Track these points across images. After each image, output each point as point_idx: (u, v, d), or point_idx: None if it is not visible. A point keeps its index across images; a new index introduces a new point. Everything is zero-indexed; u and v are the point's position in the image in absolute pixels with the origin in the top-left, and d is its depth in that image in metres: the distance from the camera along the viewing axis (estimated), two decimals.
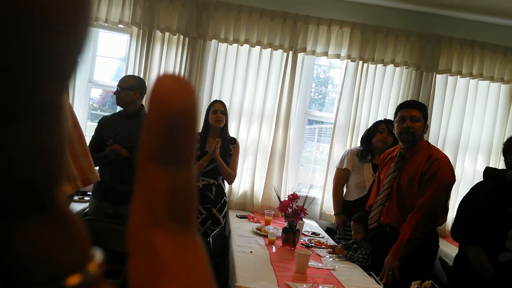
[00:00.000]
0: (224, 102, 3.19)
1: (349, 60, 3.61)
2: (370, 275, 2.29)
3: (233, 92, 3.65)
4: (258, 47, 3.61)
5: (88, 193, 3.05)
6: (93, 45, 3.88)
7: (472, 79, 3.65)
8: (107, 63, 4.14)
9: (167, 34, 3.58)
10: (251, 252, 2.39)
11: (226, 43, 3.60)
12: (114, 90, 2.81)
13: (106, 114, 3.16)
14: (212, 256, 2.59)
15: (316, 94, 4.53)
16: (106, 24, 3.53)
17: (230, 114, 3.63)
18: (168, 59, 3.61)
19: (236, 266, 2.14)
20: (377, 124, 3.17)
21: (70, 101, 3.19)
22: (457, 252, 2.30)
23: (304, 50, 3.59)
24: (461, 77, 3.65)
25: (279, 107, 3.64)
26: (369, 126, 3.54)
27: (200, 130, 3.21)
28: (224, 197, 3.15)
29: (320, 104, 4.57)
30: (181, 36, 3.59)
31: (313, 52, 3.61)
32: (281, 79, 3.63)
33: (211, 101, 3.29)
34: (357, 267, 2.40)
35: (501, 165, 3.65)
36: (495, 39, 3.63)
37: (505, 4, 3.30)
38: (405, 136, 2.40)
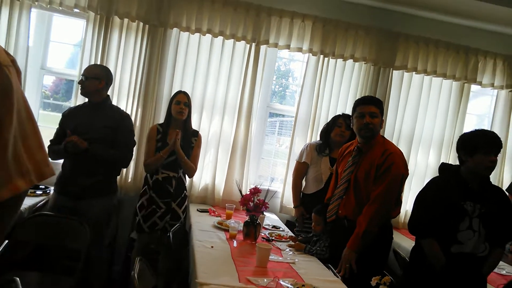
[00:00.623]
0: (188, 93, 3.13)
1: (310, 54, 3.64)
2: (329, 267, 2.35)
3: (194, 83, 3.58)
4: (220, 38, 3.56)
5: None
6: (47, 30, 3.66)
7: (426, 75, 3.80)
8: (61, 49, 3.92)
9: (126, 20, 3.44)
10: (212, 247, 2.38)
11: (188, 32, 3.52)
12: (67, 77, 2.69)
13: (61, 103, 3.03)
14: (172, 252, 2.57)
15: (277, 86, 4.55)
16: (60, 8, 3.34)
17: (192, 106, 3.57)
18: (126, 47, 3.47)
19: (196, 261, 2.13)
20: (335, 118, 3.24)
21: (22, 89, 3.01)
22: (413, 245, 2.38)
23: (266, 42, 3.58)
24: (416, 74, 3.79)
25: (241, 99, 3.62)
26: (328, 120, 3.61)
27: (162, 122, 3.14)
28: (185, 191, 3.11)
29: (281, 97, 4.59)
30: (141, 23, 3.46)
31: (276, 45, 3.61)
32: (244, 71, 3.60)
33: (174, 92, 3.21)
34: (315, 260, 2.45)
35: (451, 159, 3.87)
36: (448, 37, 3.79)
37: (458, 4, 3.44)
38: (364, 132, 2.47)
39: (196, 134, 3.15)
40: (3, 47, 0.97)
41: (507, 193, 2.39)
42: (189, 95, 3.19)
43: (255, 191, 2.66)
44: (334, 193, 2.64)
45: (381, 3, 3.69)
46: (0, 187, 0.93)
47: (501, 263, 3.03)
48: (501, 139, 2.20)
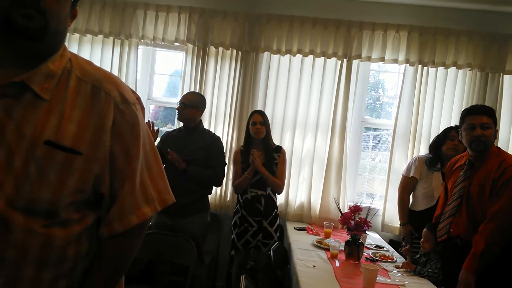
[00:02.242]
0: (264, 112, 3.21)
1: (407, 64, 3.47)
2: None
3: (286, 103, 3.63)
4: (311, 56, 3.58)
5: None
6: (151, 63, 4.04)
7: None
8: (162, 79, 4.29)
9: (220, 49, 3.64)
10: (314, 266, 2.34)
11: (279, 54, 3.60)
12: (170, 105, 2.92)
13: (168, 130, 3.30)
14: (273, 269, 2.58)
15: (367, 99, 4.40)
16: (163, 43, 3.66)
17: (284, 125, 3.62)
18: (222, 73, 3.67)
19: (300, 280, 2.10)
20: (447, 130, 3.01)
21: None
22: None
23: (359, 56, 3.51)
24: None
25: (334, 115, 3.57)
26: (432, 132, 3.38)
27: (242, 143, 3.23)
28: (276, 210, 3.12)
29: (371, 109, 4.43)
30: (234, 50, 3.64)
31: (369, 58, 3.51)
32: (336, 87, 3.56)
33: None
34: (428, 282, 2.27)
35: None
36: None
37: None
38: (476, 145, 2.26)
39: (279, 150, 3.17)
40: (126, 84, 1.08)
41: None
42: (281, 114, 3.22)
43: (356, 209, 2.57)
44: (444, 211, 2.43)
45: (482, 5, 3.40)
46: (129, 214, 1.00)
47: None
48: None
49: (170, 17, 3.62)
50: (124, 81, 3.62)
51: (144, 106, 3.91)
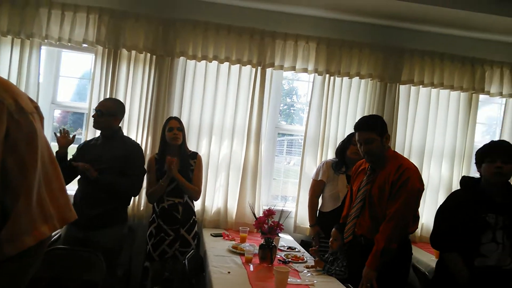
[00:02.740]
0: (180, 118, 3.19)
1: (316, 73, 3.68)
2: (348, 287, 2.31)
3: (203, 109, 3.63)
4: (226, 63, 3.62)
5: None
6: (56, 65, 3.76)
7: (434, 88, 3.80)
8: (69, 82, 4.02)
9: (133, 52, 3.52)
10: (229, 272, 2.36)
11: (195, 60, 3.59)
12: (77, 111, 2.76)
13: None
14: (188, 278, 2.54)
15: (282, 105, 4.58)
16: (69, 44, 3.44)
17: (201, 131, 3.62)
18: (135, 78, 3.55)
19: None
20: (351, 136, 3.23)
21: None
22: (437, 260, 2.37)
23: (272, 65, 3.63)
24: (423, 87, 3.79)
25: (249, 122, 3.65)
26: (338, 137, 3.61)
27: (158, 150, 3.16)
28: (194, 217, 3.09)
29: (286, 115, 4.62)
30: (148, 54, 3.54)
31: (281, 67, 3.66)
32: (251, 94, 3.65)
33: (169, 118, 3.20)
34: (335, 280, 2.41)
35: (464, 170, 3.83)
36: (453, 49, 3.81)
37: (462, 17, 3.46)
38: (366, 158, 2.51)
39: (195, 156, 3.15)
40: (24, 92, 1.00)
41: None
42: (198, 121, 3.22)
43: (269, 213, 2.64)
44: (350, 213, 2.61)
45: (381, 21, 3.74)
46: (23, 235, 0.91)
47: None
48: None
49: (78, 17, 3.41)
50: (24, 84, 3.38)
51: (48, 111, 3.66)
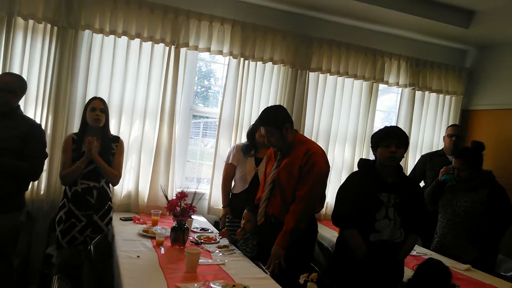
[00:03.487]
0: (103, 98, 2.98)
1: (231, 56, 3.68)
2: (258, 265, 2.41)
3: (111, 87, 3.43)
4: (138, 40, 3.45)
5: None
6: None
7: (339, 76, 4.05)
8: None
9: (31, 22, 3.18)
10: (138, 256, 2.31)
11: (102, 34, 3.35)
12: None
13: None
14: (94, 264, 2.43)
15: (199, 87, 4.52)
16: None
17: (110, 111, 3.41)
18: (33, 51, 3.22)
19: (122, 273, 2.04)
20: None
21: None
22: (337, 236, 2.54)
23: (186, 45, 3.55)
24: (330, 75, 4.02)
25: (163, 102, 3.54)
26: (252, 121, 3.68)
27: (77, 130, 2.95)
28: (109, 203, 2.95)
29: (204, 98, 4.58)
30: (49, 25, 3.22)
31: (196, 48, 3.59)
32: (164, 74, 3.53)
33: (89, 98, 3.04)
34: (246, 258, 2.49)
35: (364, 153, 4.17)
36: (357, 40, 4.09)
37: (365, 10, 3.72)
38: (272, 147, 2.64)
39: (117, 140, 3.01)
40: None
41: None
42: (106, 100, 3.04)
43: (182, 195, 2.62)
44: (262, 196, 2.70)
45: (295, 8, 3.86)
46: None
47: (416, 246, 3.35)
48: (406, 132, 2.43)
49: None
50: None
51: None
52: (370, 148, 2.51)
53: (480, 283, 2.49)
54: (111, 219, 2.96)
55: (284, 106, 3.82)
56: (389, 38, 4.32)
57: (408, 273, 2.35)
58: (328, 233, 3.43)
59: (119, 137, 3.05)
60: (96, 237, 2.70)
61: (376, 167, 2.43)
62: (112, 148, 2.94)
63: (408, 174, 4.11)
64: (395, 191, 2.35)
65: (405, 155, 4.24)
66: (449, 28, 3.94)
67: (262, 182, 2.88)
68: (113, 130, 3.38)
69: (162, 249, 2.49)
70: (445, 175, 3.09)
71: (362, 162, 2.55)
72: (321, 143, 3.98)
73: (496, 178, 3.06)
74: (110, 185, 2.98)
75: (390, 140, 2.33)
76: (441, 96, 4.48)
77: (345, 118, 4.13)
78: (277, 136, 2.54)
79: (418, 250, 3.13)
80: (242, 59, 3.71)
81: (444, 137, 3.98)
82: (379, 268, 2.28)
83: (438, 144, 4.44)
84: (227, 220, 3.27)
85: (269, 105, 3.72)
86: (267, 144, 2.62)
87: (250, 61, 3.75)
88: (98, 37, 3.37)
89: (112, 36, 3.38)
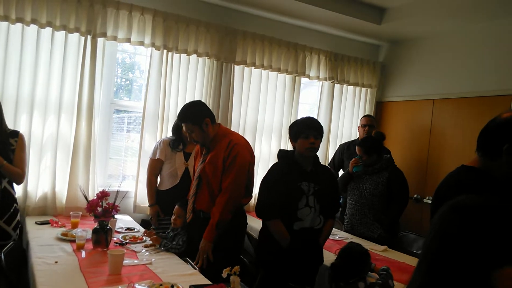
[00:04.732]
0: None
1: (153, 48, 3.56)
2: (186, 261, 2.38)
3: (20, 80, 3.13)
4: (49, 29, 3.18)
5: None
6: None
7: (264, 70, 4.12)
8: None
9: None
10: (56, 262, 2.16)
11: (7, 22, 3.05)
12: None
13: None
14: (6, 274, 2.23)
15: (124, 80, 4.31)
16: None
17: (18, 105, 3.13)
18: None
19: (37, 281, 1.90)
20: None
21: None
22: (261, 227, 2.56)
23: (104, 35, 3.36)
24: (255, 68, 4.07)
25: (80, 96, 3.33)
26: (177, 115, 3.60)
27: None
28: (15, 205, 2.69)
29: (129, 91, 4.38)
30: None
31: (115, 38, 3.41)
32: (80, 66, 3.31)
33: None
34: (173, 256, 2.45)
35: (289, 145, 4.30)
36: (280, 35, 4.18)
37: (287, 5, 3.81)
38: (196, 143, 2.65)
39: (15, 134, 2.71)
40: None
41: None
42: (14, 94, 2.78)
43: (103, 194, 2.50)
44: (190, 192, 2.67)
45: (218, 1, 3.83)
46: None
47: (334, 229, 3.55)
48: (326, 123, 2.56)
49: None
50: None
51: None
52: (288, 138, 2.56)
53: (395, 262, 2.71)
54: (19, 223, 2.71)
55: (210, 99, 3.83)
56: (310, 33, 4.48)
57: (331, 257, 2.48)
58: (257, 224, 3.48)
59: (19, 132, 2.75)
60: (3, 244, 2.47)
61: (296, 157, 2.49)
62: (10, 144, 2.67)
63: (328, 163, 4.34)
64: (314, 179, 2.45)
65: (326, 145, 4.49)
66: (363, 24, 4.20)
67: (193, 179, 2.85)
68: (22, 127, 3.12)
69: (83, 252, 2.36)
70: (355, 167, 3.39)
71: (282, 153, 2.60)
72: (248, 136, 4.04)
73: (394, 162, 3.46)
74: (14, 185, 2.73)
75: (309, 132, 2.41)
76: (357, 88, 4.77)
77: (270, 111, 4.22)
78: (198, 132, 2.53)
79: (340, 235, 3.33)
80: (165, 50, 3.61)
81: (358, 127, 4.25)
82: (303, 255, 2.37)
83: (356, 133, 4.73)
84: (158, 218, 3.20)
85: (195, 99, 3.72)
86: (190, 141, 2.60)
87: (174, 53, 3.66)
88: (3, 24, 3.06)
89: (19, 25, 3.09)
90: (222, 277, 1.79)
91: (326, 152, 4.53)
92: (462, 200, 0.92)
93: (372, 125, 4.12)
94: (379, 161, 3.31)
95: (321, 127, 2.48)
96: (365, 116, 4.27)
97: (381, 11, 4.18)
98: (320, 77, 4.46)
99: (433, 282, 0.88)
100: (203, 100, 3.74)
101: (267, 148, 4.24)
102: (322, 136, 2.49)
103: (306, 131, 2.42)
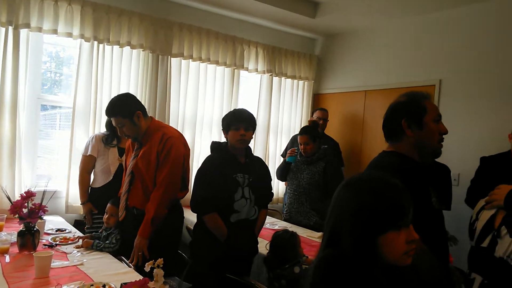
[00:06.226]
0: None
1: (83, 39, 3.39)
2: (121, 259, 2.31)
3: None
4: None
5: None
6: None
7: (202, 62, 4.08)
8: None
9: None
10: None
11: None
12: None
13: None
14: None
15: (57, 75, 4.05)
16: None
17: None
18: None
19: None
20: None
21: None
22: (196, 222, 2.50)
23: (27, 26, 3.14)
24: (192, 61, 4.02)
25: (1, 91, 3.10)
26: None
27: None
28: None
29: (60, 86, 4.13)
30: None
31: (40, 29, 3.21)
32: (1, 60, 3.09)
33: None
34: (107, 255, 2.36)
35: None
36: (217, 27, 4.16)
37: None
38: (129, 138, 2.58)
39: None
40: None
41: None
42: None
43: (28, 195, 2.34)
44: (122, 190, 2.58)
45: None
46: None
47: (274, 219, 3.63)
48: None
49: None
50: None
51: None
52: (222, 130, 2.53)
53: None
54: None
55: (147, 93, 3.74)
56: (248, 26, 4.50)
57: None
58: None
59: None
60: None
61: (229, 149, 2.47)
62: None
63: (281, 154, 4.44)
64: (248, 171, 2.44)
65: (266, 137, 4.56)
66: (298, 18, 4.29)
67: (124, 175, 2.75)
68: None
69: (7, 257, 2.21)
70: (289, 157, 3.49)
71: (215, 145, 2.55)
72: (188, 130, 4.00)
73: (331, 152, 3.65)
74: None
75: (240, 123, 2.40)
76: (295, 81, 4.88)
77: (210, 104, 4.20)
78: (129, 126, 2.45)
79: (280, 224, 3.40)
80: (95, 42, 3.45)
81: (309, 120, 4.36)
82: (240, 247, 2.38)
83: (295, 126, 4.85)
84: (92, 217, 3.08)
85: (129, 92, 3.59)
86: (121, 135, 2.49)
87: (106, 45, 3.51)
88: None
89: None
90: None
91: (266, 144, 4.60)
92: (351, 177, 1.02)
93: (326, 119, 4.30)
94: (317, 151, 3.42)
95: (252, 118, 2.47)
96: (319, 109, 4.39)
97: (315, 5, 4.30)
98: (258, 70, 4.50)
99: (331, 252, 0.97)
100: (139, 94, 3.68)
101: (207, 142, 4.20)
102: (253, 127, 2.47)
103: (236, 123, 2.40)
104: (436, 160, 3.09)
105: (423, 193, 1.46)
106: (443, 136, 1.57)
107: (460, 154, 3.52)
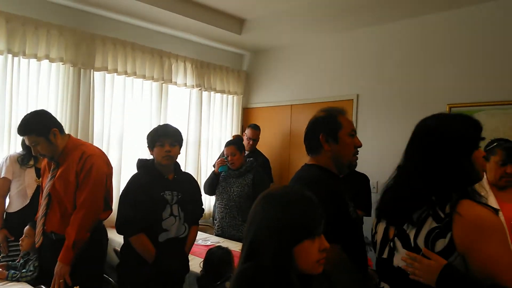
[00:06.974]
0: None
1: None
2: None
3: None
4: None
5: None
6: None
7: (128, 76, 3.97)
8: None
9: None
10: None
11: None
12: None
13: None
14: None
15: None
16: None
17: None
18: None
19: None
20: None
21: None
22: (122, 244, 2.40)
23: None
24: (117, 75, 3.89)
25: None
26: None
27: None
28: None
29: None
30: None
31: None
32: None
33: None
34: (25, 285, 2.20)
35: None
36: (143, 41, 4.10)
37: (147, 10, 3.74)
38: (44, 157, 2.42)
39: None
40: None
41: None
42: None
43: None
44: (38, 213, 2.40)
45: (72, 3, 3.58)
46: None
47: (207, 235, 3.61)
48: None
49: None
50: None
51: None
52: (147, 148, 2.44)
53: None
54: None
55: (67, 108, 3.56)
56: (175, 40, 4.49)
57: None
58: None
59: None
60: None
61: (156, 166, 2.40)
62: None
63: (213, 164, 4.43)
64: (177, 188, 2.39)
65: (198, 151, 4.54)
66: (225, 34, 4.37)
67: (41, 197, 2.55)
68: None
69: None
70: (221, 167, 3.50)
71: (142, 163, 2.47)
72: (114, 148, 3.86)
73: (258, 165, 3.68)
74: None
75: (164, 139, 2.34)
76: (224, 96, 4.95)
77: (137, 119, 4.09)
78: (44, 145, 2.28)
79: (212, 240, 3.40)
80: (10, 55, 3.22)
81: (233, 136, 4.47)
82: (169, 267, 2.31)
83: (226, 139, 4.88)
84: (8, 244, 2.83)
85: (48, 108, 3.40)
86: (35, 154, 2.32)
87: (21, 58, 3.29)
88: None
89: None
90: None
91: (198, 158, 4.58)
92: (268, 191, 1.09)
93: (256, 139, 4.34)
94: (244, 163, 3.48)
95: (177, 133, 2.42)
96: (252, 127, 4.34)
97: (241, 22, 4.42)
98: (187, 84, 4.49)
99: (250, 265, 1.02)
100: (59, 111, 3.49)
101: (135, 160, 4.07)
102: (179, 142, 2.42)
103: (161, 139, 2.34)
104: (356, 169, 3.34)
105: (340, 203, 1.56)
106: (358, 149, 1.71)
107: (378, 163, 3.78)
